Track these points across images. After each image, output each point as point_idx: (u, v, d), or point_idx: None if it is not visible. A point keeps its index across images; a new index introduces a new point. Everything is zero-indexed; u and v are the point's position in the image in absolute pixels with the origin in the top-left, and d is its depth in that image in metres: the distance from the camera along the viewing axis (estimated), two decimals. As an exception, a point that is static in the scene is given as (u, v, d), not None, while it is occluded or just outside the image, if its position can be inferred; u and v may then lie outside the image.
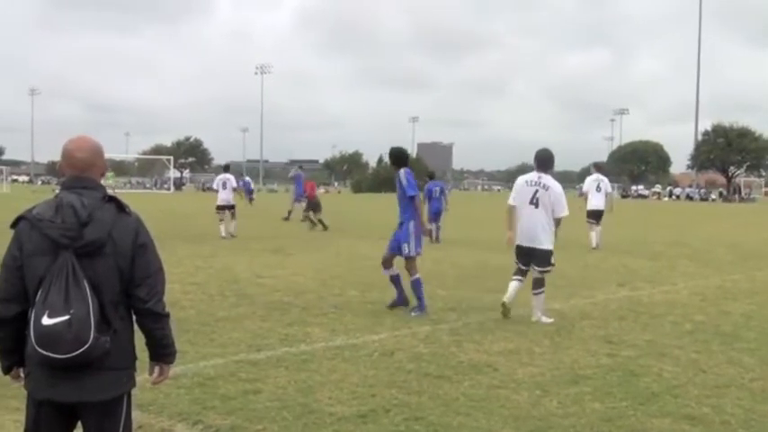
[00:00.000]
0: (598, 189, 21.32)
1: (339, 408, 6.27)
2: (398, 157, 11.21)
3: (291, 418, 6.01)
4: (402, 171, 10.81)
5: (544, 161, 10.44)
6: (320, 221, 26.81)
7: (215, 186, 24.46)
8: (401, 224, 10.82)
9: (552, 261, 10.39)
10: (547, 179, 10.25)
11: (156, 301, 3.57)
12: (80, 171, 3.58)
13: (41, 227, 3.40)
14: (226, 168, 25.21)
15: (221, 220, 22.92)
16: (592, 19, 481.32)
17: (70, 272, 3.32)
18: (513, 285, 10.37)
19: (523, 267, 10.40)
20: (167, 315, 3.66)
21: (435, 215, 22.58)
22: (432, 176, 24.98)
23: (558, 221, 10.28)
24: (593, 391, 6.91)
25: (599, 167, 22.87)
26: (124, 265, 3.47)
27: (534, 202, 10.13)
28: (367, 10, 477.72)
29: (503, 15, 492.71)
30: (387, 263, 11.04)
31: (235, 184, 24.11)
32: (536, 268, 10.28)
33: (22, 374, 3.62)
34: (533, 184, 10.21)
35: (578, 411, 6.31)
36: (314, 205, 27.49)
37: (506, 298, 10.26)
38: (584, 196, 21.83)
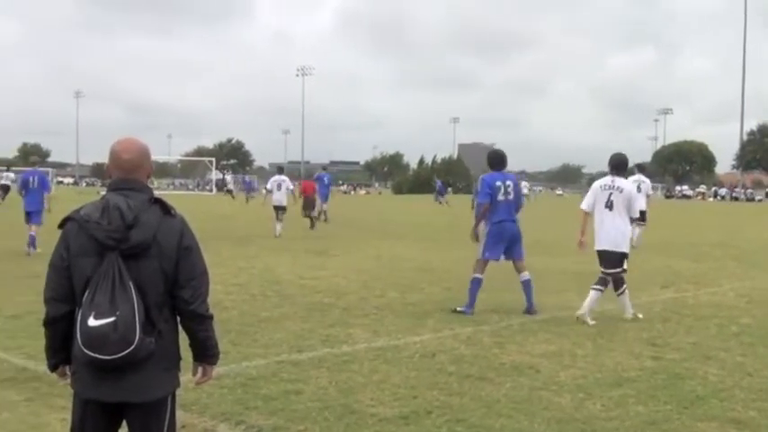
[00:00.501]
0: (638, 190, 20.99)
1: (381, 409, 6.27)
2: (488, 158, 11.41)
3: (333, 418, 6.03)
4: (483, 175, 11.04)
5: (618, 164, 10.65)
6: (309, 218, 27.57)
7: (269, 187, 25.55)
8: None
9: (624, 264, 10.48)
10: (620, 181, 10.46)
11: (199, 303, 3.58)
12: (127, 173, 3.61)
13: (88, 228, 3.44)
14: (280, 170, 26.59)
15: (278, 219, 23.83)
16: (635, 18, 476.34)
17: (116, 273, 3.35)
18: (623, 299, 10.58)
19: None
20: (211, 317, 3.68)
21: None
22: None
23: (631, 221, 10.51)
24: (637, 394, 6.84)
25: (642, 168, 22.96)
26: (168, 267, 3.49)
27: (609, 205, 10.32)
28: (408, 10, 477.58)
29: (545, 15, 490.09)
30: (516, 269, 11.10)
31: (291, 186, 25.27)
32: (603, 269, 10.45)
33: (68, 372, 3.67)
34: (608, 187, 10.41)
35: (622, 414, 6.25)
36: (308, 204, 28.31)
37: (627, 314, 10.49)
38: None
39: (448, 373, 7.43)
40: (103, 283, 3.34)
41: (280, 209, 24.23)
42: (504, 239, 10.94)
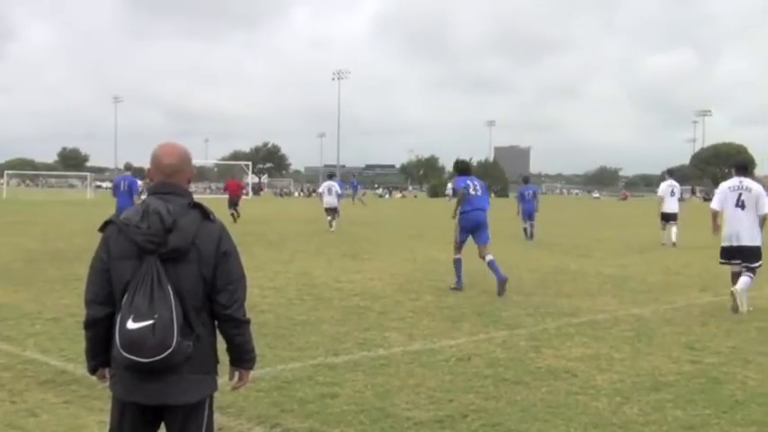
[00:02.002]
0: (672, 194, 23.58)
1: (416, 412, 6.27)
2: (456, 166, 14.39)
3: (368, 422, 6.03)
4: (454, 178, 14.16)
5: (743, 166, 11.95)
6: (232, 214, 31.51)
7: (320, 191, 29.70)
8: None
9: (761, 257, 11.36)
10: (748, 182, 11.43)
11: (236, 308, 3.60)
12: (167, 177, 3.65)
13: (128, 232, 3.48)
14: (331, 176, 30.55)
15: (330, 219, 27.46)
16: (673, 19, 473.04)
17: (155, 277, 3.38)
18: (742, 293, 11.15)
19: (734, 262, 11.47)
20: (248, 321, 3.70)
21: (529, 215, 25.60)
22: (526, 181, 28.19)
23: (762, 219, 11.24)
24: (675, 398, 6.77)
25: (671, 173, 25.21)
26: (207, 271, 3.52)
27: (740, 204, 11.25)
28: (444, 15, 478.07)
29: (581, 17, 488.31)
30: (479, 253, 13.24)
31: (340, 190, 29.00)
32: (745, 265, 11.24)
33: (107, 375, 3.70)
34: (736, 188, 11.36)
35: (659, 419, 6.19)
36: (231, 201, 32.56)
37: (743, 309, 10.99)
38: (659, 200, 23.99)
39: (484, 376, 7.41)
40: (142, 287, 3.37)
41: (330, 210, 27.82)
42: (470, 226, 13.23)
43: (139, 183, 21.65)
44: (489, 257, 12.82)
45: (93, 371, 3.77)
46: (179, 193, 3.62)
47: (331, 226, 27.13)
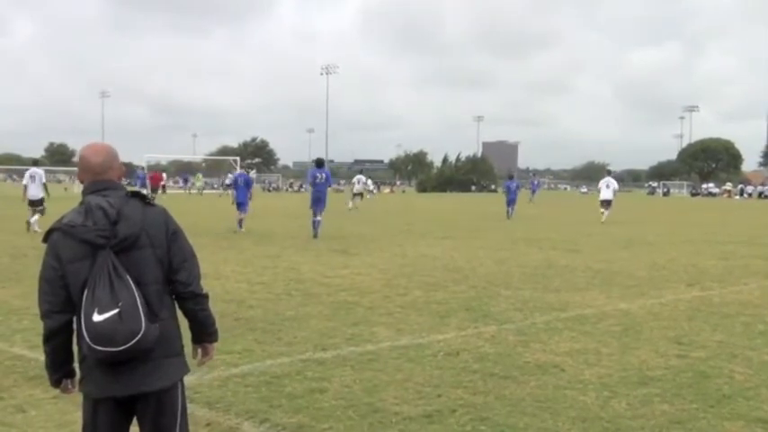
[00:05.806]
0: (607, 186, 32.78)
1: (405, 407, 6.28)
2: (315, 162, 23.59)
3: (357, 417, 6.03)
4: (309, 170, 22.92)
5: None
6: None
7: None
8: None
9: None
10: None
11: (196, 284, 3.70)
12: (98, 175, 3.68)
13: (75, 233, 3.47)
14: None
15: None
16: (660, 15, 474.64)
17: (111, 268, 3.40)
18: None
19: None
20: (207, 295, 3.79)
21: (512, 202, 35.70)
22: (511, 176, 38.57)
23: None
24: (663, 392, 6.80)
25: (609, 173, 35.71)
26: (161, 253, 3.58)
27: None
28: (432, 10, 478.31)
29: (569, 12, 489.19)
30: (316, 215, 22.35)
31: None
32: None
33: (70, 387, 3.74)
34: None
35: (647, 413, 6.22)
36: (154, 189, 36.48)
37: None
38: (598, 192, 34.25)
39: (472, 371, 7.43)
40: (101, 280, 3.38)
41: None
42: (315, 200, 22.29)
43: (253, 176, 28.57)
44: (320, 218, 22.20)
45: (56, 384, 3.78)
46: (114, 188, 3.66)
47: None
